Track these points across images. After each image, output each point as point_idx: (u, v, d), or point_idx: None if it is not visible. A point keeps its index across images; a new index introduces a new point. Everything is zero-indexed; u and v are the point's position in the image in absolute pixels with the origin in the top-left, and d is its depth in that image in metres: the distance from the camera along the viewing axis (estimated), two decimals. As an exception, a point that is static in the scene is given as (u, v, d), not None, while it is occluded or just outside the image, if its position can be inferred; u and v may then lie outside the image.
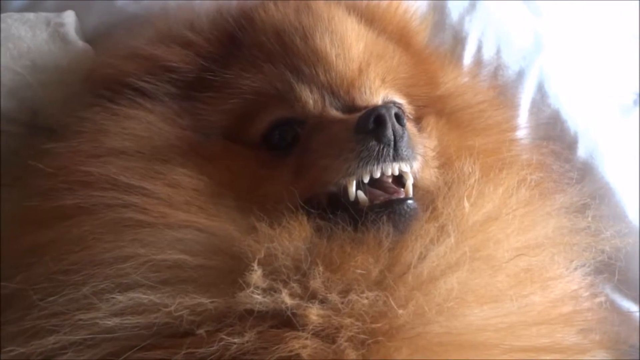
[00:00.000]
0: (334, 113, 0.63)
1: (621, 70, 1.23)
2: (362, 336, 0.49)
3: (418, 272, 0.53)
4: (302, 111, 0.64)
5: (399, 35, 0.78)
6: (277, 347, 0.48)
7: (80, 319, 0.50)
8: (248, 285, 0.50)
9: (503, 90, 0.91)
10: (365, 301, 0.50)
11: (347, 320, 0.49)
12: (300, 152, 0.61)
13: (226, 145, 0.63)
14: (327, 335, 0.50)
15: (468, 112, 0.76)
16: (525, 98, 0.93)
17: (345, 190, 0.57)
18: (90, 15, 0.80)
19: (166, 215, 0.55)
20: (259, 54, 0.67)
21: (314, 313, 0.50)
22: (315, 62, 0.65)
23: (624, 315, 0.81)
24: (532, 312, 0.58)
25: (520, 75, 0.93)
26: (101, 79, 0.69)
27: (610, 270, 0.83)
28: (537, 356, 0.55)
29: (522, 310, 0.57)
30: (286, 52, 0.66)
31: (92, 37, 0.79)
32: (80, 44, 0.74)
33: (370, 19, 0.76)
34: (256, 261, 0.51)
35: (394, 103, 0.68)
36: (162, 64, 0.67)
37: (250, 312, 0.50)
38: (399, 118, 0.57)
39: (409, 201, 0.58)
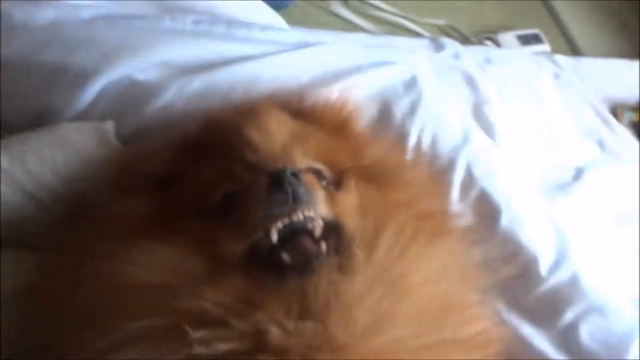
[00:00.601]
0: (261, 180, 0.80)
1: (559, 146, 1.51)
2: (308, 355, 0.63)
3: (340, 301, 0.66)
4: (240, 184, 0.81)
5: (333, 125, 0.98)
6: None
7: None
8: (193, 340, 0.63)
9: (439, 175, 1.15)
10: (307, 328, 0.64)
11: (294, 346, 0.63)
12: (238, 212, 0.78)
13: (192, 220, 0.81)
14: (282, 356, 0.63)
15: (387, 173, 0.94)
16: (456, 180, 1.17)
17: (269, 235, 0.74)
18: (125, 125, 1.05)
19: (144, 277, 0.72)
20: (209, 152, 0.88)
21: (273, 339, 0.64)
22: (245, 147, 0.83)
23: (525, 341, 1.00)
24: (445, 333, 0.69)
25: (451, 162, 1.18)
26: (114, 176, 0.93)
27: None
28: None
29: (434, 332, 0.69)
30: (227, 145, 0.86)
31: (125, 141, 1.03)
32: (119, 146, 1.00)
33: (308, 115, 0.97)
34: (191, 319, 0.65)
35: (313, 168, 0.83)
36: (142, 172, 0.90)
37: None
38: (295, 175, 0.75)
39: (321, 256, 0.73)
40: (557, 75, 1.83)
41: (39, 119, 1.07)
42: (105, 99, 1.08)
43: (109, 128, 1.01)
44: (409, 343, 0.66)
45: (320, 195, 0.79)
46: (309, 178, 0.80)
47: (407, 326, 0.67)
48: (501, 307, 1.04)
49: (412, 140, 1.20)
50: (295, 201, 0.74)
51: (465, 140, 1.24)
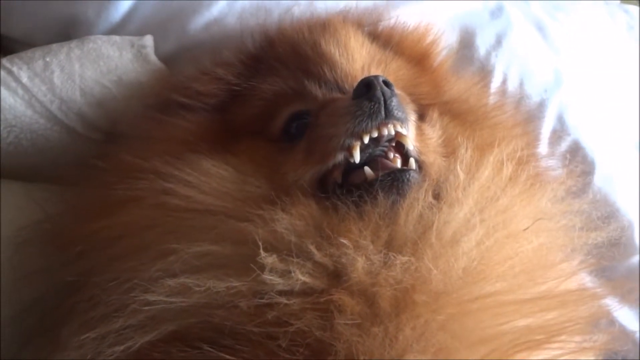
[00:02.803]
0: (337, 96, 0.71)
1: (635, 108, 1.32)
2: (399, 295, 0.55)
3: (440, 233, 0.59)
4: (312, 103, 0.72)
5: (412, 54, 0.87)
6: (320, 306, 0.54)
7: (139, 302, 0.56)
8: (264, 268, 0.56)
9: (527, 117, 1.00)
10: (399, 261, 0.56)
11: (384, 282, 0.55)
12: (309, 134, 0.69)
13: (251, 142, 0.73)
14: (365, 296, 0.55)
15: (471, 112, 0.84)
16: (546, 127, 1.01)
17: (351, 156, 0.64)
18: (167, 41, 0.91)
19: (198, 200, 0.63)
20: (276, 64, 0.78)
21: (358, 272, 0.56)
22: (322, 63, 0.75)
23: (622, 328, 0.87)
24: (541, 287, 0.62)
25: (541, 105, 1.02)
26: (155, 96, 0.81)
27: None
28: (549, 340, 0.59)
29: (531, 285, 0.62)
30: (298, 59, 0.77)
31: (165, 60, 0.90)
32: (159, 64, 0.85)
33: (385, 38, 0.86)
34: (261, 245, 0.57)
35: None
36: (197, 91, 0.79)
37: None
38: (387, 84, 0.65)
39: (412, 172, 0.64)
40: (630, 27, 1.63)
41: (65, 34, 0.92)
42: (143, 11, 0.92)
43: (148, 43, 0.86)
44: (506, 297, 0.59)
45: (413, 114, 0.69)
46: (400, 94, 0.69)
47: (504, 276, 0.60)
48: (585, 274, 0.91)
49: (497, 79, 1.02)
50: (388, 114, 0.64)
51: (558, 81, 1.06)
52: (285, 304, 0.55)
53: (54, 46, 0.84)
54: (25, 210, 0.75)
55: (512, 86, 1.03)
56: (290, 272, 0.56)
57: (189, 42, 0.91)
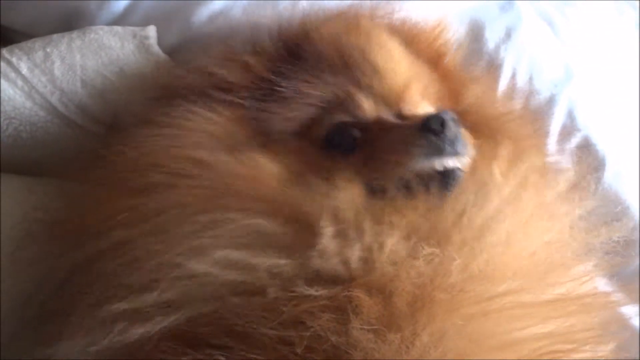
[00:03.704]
0: (391, 118, 0.72)
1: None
2: (417, 292, 0.54)
3: (471, 222, 0.59)
4: (360, 116, 0.71)
5: (430, 57, 0.85)
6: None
7: (168, 274, 0.55)
8: (315, 246, 0.56)
9: (536, 113, 0.98)
10: (425, 252, 0.56)
11: (405, 275, 0.55)
12: (364, 151, 0.69)
13: (297, 144, 0.71)
14: (383, 293, 0.54)
15: (485, 122, 0.83)
16: (556, 123, 0.99)
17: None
18: (170, 32, 0.89)
19: (249, 188, 0.62)
20: (319, 66, 0.75)
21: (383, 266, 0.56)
22: (372, 74, 0.73)
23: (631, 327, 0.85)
24: (552, 290, 0.62)
25: (551, 101, 0.99)
26: (178, 86, 0.76)
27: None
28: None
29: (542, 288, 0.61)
30: (345, 65, 0.74)
31: (170, 52, 0.88)
32: (162, 55, 0.83)
33: (408, 41, 0.84)
34: (323, 219, 0.57)
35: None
36: (226, 82, 0.75)
37: (318, 275, 0.55)
38: (455, 121, 0.66)
39: (461, 171, 0.67)
40: (638, 24, 1.60)
41: (67, 26, 0.90)
42: (146, 2, 0.91)
43: (151, 34, 0.84)
44: (523, 297, 0.59)
45: (470, 150, 0.70)
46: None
47: (522, 274, 0.60)
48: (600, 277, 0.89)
49: (506, 73, 0.99)
50: (454, 153, 0.66)
51: (569, 77, 1.04)
52: (309, 297, 0.53)
53: (55, 37, 0.82)
54: (25, 204, 0.73)
55: (521, 81, 1.01)
56: (345, 250, 0.56)
57: (193, 34, 0.89)
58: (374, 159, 0.68)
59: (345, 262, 0.56)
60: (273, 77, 0.74)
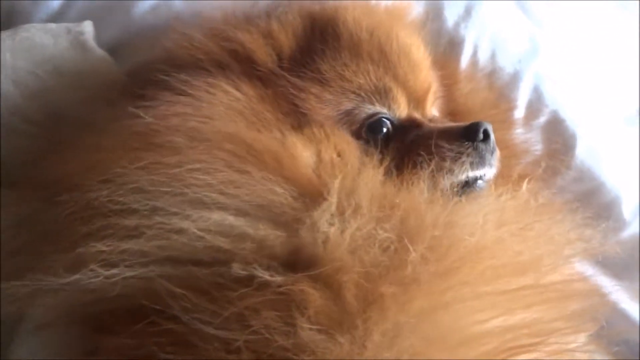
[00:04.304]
0: (425, 120, 0.74)
1: (623, 81, 1.26)
2: (367, 284, 0.51)
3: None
4: (395, 110, 0.73)
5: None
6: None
7: (168, 226, 0.53)
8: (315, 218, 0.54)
9: (500, 92, 0.95)
10: (380, 237, 0.54)
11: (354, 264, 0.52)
12: (398, 149, 0.70)
13: (326, 129, 0.68)
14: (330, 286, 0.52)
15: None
16: (522, 99, 0.95)
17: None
18: (109, 27, 0.85)
19: (276, 164, 0.60)
20: (357, 52, 0.73)
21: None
22: (409, 70, 0.74)
23: (619, 309, 0.83)
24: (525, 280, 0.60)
25: (516, 77, 0.96)
26: (195, 54, 0.71)
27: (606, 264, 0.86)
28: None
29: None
30: (384, 56, 0.74)
31: (110, 48, 0.84)
32: (98, 51, 0.79)
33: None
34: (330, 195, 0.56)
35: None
36: (248, 53, 0.71)
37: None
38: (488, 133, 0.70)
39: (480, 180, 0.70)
40: None
41: (6, 26, 0.86)
42: (83, -4, 0.86)
43: (87, 29, 0.80)
44: (483, 287, 0.56)
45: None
46: None
47: (476, 267, 0.57)
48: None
49: (467, 51, 0.96)
50: (492, 161, 0.70)
51: (534, 51, 1.00)
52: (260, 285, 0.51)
53: (-17, 37, 0.78)
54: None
55: (483, 58, 0.97)
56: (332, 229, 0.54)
57: (135, 27, 0.85)
58: (408, 161, 0.68)
59: (325, 242, 0.54)
60: (307, 54, 0.73)
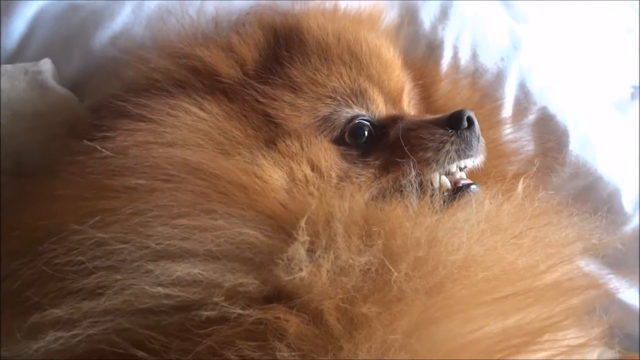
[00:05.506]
0: (409, 116, 0.72)
1: (614, 65, 1.23)
2: (348, 307, 0.49)
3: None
4: (374, 110, 0.71)
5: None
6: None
7: (130, 283, 0.49)
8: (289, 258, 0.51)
9: (484, 91, 0.92)
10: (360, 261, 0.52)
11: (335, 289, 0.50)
12: (384, 149, 0.68)
13: (301, 141, 0.66)
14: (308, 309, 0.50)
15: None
16: (508, 97, 0.92)
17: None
18: (69, 63, 0.81)
19: (246, 197, 0.57)
20: (327, 56, 0.71)
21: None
22: (382, 70, 0.72)
23: (622, 303, 0.81)
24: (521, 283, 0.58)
25: (500, 76, 0.93)
26: (152, 75, 0.69)
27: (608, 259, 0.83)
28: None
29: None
30: (355, 58, 0.72)
31: (73, 84, 0.80)
32: (59, 89, 0.75)
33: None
34: (301, 228, 0.52)
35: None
36: (209, 68, 0.68)
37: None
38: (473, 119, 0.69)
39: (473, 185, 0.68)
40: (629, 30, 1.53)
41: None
42: (41, 32, 0.82)
43: (44, 68, 0.76)
44: (476, 299, 0.54)
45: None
46: None
47: (475, 276, 0.55)
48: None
49: (447, 53, 0.92)
50: (479, 148, 0.69)
51: (516, 46, 0.96)
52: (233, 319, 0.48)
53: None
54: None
55: (464, 58, 0.93)
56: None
57: (96, 60, 0.81)
58: (396, 158, 0.66)
59: (302, 280, 0.51)
60: (274, 62, 0.71)
